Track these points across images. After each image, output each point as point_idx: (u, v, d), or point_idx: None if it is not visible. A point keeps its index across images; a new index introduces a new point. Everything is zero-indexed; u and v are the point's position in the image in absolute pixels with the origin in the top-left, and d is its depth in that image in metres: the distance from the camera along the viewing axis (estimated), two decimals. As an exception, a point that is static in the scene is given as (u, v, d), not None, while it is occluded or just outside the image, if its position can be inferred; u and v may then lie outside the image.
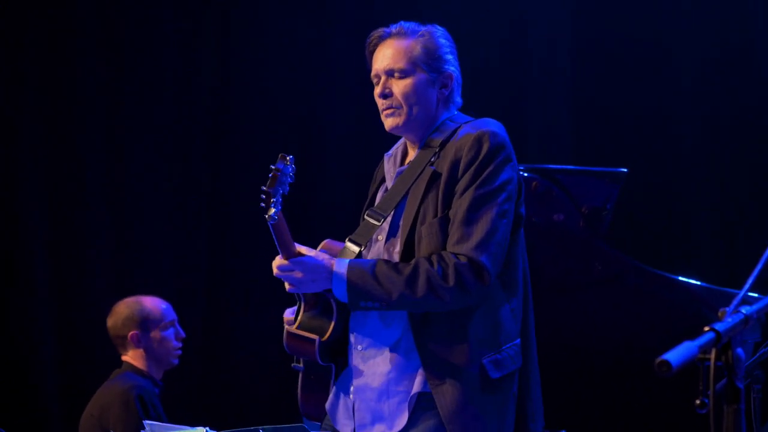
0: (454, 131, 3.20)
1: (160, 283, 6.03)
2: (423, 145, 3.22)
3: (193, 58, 6.29)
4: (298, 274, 3.11)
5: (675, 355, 1.89)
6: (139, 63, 6.24)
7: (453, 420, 3.06)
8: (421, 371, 3.11)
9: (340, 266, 3.10)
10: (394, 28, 3.28)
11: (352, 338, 3.22)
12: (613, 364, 4.76)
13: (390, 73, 3.23)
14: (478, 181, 3.08)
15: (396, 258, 3.16)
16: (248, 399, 6.16)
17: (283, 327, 3.31)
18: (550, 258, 4.71)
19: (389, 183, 3.29)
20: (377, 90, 3.25)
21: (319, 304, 3.21)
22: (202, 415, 5.84)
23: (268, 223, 3.08)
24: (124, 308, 5.05)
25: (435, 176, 3.13)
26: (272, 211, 3.04)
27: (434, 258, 3.05)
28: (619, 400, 4.87)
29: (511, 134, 6.17)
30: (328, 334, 3.17)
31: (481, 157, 3.09)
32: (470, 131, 3.15)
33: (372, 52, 3.30)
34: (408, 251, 3.13)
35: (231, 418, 5.89)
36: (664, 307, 4.67)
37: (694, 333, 2.00)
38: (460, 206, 3.08)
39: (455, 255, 3.04)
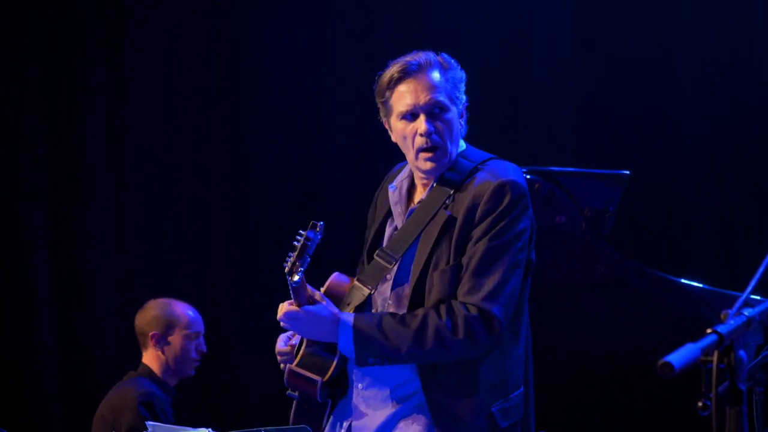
0: (470, 173, 3.10)
1: (161, 283, 6.03)
2: (436, 183, 3.13)
3: (195, 58, 6.28)
4: (303, 324, 3.08)
5: (678, 357, 1.89)
6: (140, 63, 6.23)
7: None
8: (426, 416, 3.06)
9: (347, 321, 3.04)
10: (422, 60, 3.12)
11: (353, 376, 3.17)
12: (614, 366, 4.75)
13: (430, 109, 3.09)
14: (493, 232, 3.01)
15: (405, 302, 3.10)
16: (250, 400, 6.16)
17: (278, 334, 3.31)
18: (553, 260, 4.70)
19: (398, 221, 3.20)
20: (421, 127, 3.07)
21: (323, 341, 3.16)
22: (204, 416, 5.83)
23: (292, 285, 3.05)
24: (153, 307, 5.05)
25: (450, 221, 3.06)
26: (296, 277, 3.01)
27: (443, 309, 3.00)
28: (620, 403, 4.86)
29: (513, 136, 6.18)
30: (329, 373, 3.13)
31: (500, 209, 3.02)
32: (490, 178, 3.06)
33: (393, 87, 3.12)
34: (417, 296, 3.08)
35: (233, 419, 5.88)
36: (666, 309, 4.66)
37: (696, 335, 1.99)
38: (474, 255, 3.02)
39: (465, 306, 2.99)
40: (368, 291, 3.15)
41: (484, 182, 3.06)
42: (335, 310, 3.08)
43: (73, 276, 6.14)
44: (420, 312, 3.02)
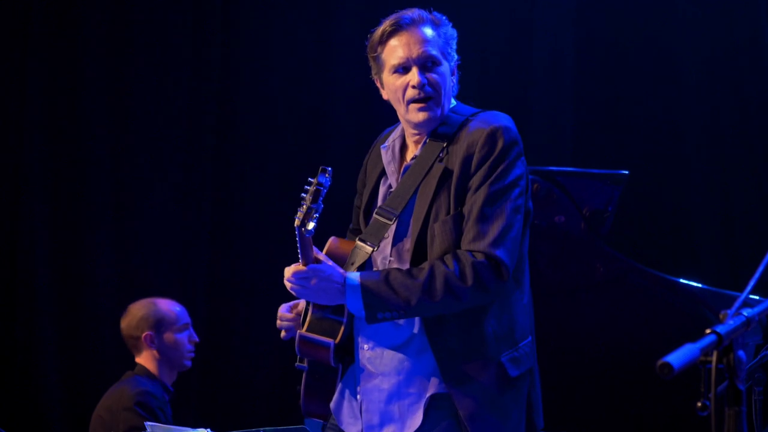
0: (462, 125, 3.11)
1: (163, 283, 6.03)
2: (429, 139, 3.14)
3: (196, 57, 6.28)
4: (312, 281, 3.04)
5: (677, 357, 1.89)
6: (142, 62, 6.23)
7: (473, 420, 3.02)
8: (434, 373, 3.06)
9: (353, 280, 3.03)
10: (414, 15, 3.13)
11: (359, 339, 3.16)
12: (613, 365, 4.76)
13: (423, 62, 3.10)
14: (492, 178, 3.02)
15: (407, 256, 3.10)
16: (250, 400, 6.16)
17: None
18: (552, 260, 4.71)
19: (392, 180, 3.21)
20: (414, 79, 3.09)
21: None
22: (204, 417, 5.84)
23: (305, 235, 3.02)
24: (138, 309, 5.04)
25: (446, 173, 3.06)
26: (311, 225, 2.98)
27: (449, 258, 3.00)
28: (619, 402, 4.87)
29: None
30: (339, 336, 3.11)
31: (495, 154, 3.03)
32: (482, 126, 3.07)
33: (385, 41, 3.14)
34: (419, 250, 3.08)
35: (233, 419, 5.88)
36: (665, 309, 4.67)
37: (695, 335, 1.99)
38: (474, 203, 3.02)
39: (471, 253, 2.98)
40: (371, 249, 3.12)
41: (476, 130, 3.07)
42: (340, 269, 3.06)
43: (74, 277, 6.14)
44: (426, 264, 3.01)
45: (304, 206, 3.00)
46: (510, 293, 3.09)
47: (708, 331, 1.98)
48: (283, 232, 6.16)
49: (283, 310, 3.31)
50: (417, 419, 3.07)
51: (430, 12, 3.18)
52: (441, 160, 3.09)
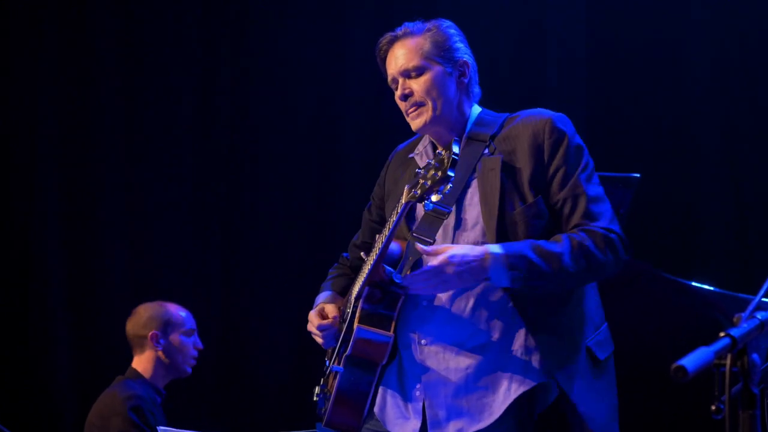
0: (505, 122, 3.17)
1: (176, 286, 6.04)
2: (467, 139, 3.16)
3: (209, 61, 6.30)
4: (450, 269, 2.93)
5: (691, 360, 1.89)
6: (154, 69, 6.26)
7: (583, 403, 3.01)
8: (514, 370, 3.04)
9: (495, 250, 2.96)
10: (399, 30, 3.23)
11: (412, 335, 3.12)
12: (625, 368, 4.74)
13: (406, 74, 3.18)
14: (581, 162, 3.08)
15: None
16: (263, 403, 6.16)
17: (301, 320, 3.21)
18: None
19: None
20: (397, 93, 3.20)
21: (385, 298, 3.06)
22: (217, 421, 5.85)
23: (426, 209, 2.90)
24: (146, 309, 5.08)
25: (508, 164, 3.08)
26: (437, 198, 2.87)
27: (580, 232, 3.01)
28: (631, 405, 4.86)
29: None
30: (392, 329, 3.06)
31: (568, 138, 3.09)
32: (539, 117, 3.13)
33: (384, 59, 3.25)
34: (500, 239, 3.03)
35: (246, 423, 5.89)
36: (678, 312, 4.65)
37: (707, 338, 1.99)
38: (575, 187, 3.05)
39: (602, 229, 3.02)
40: (429, 243, 3.06)
41: (534, 122, 3.12)
42: (468, 246, 2.99)
43: (87, 281, 6.16)
44: (560, 237, 3.02)
45: (428, 174, 2.85)
46: None
47: (722, 334, 1.98)
48: (297, 238, 6.21)
49: (314, 315, 3.28)
50: (489, 414, 3.04)
51: (423, 20, 3.25)
52: (491, 153, 3.11)
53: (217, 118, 6.29)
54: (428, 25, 3.24)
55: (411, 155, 3.29)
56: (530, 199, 3.05)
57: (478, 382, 3.07)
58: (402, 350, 3.14)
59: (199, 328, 5.17)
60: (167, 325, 5.03)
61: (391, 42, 3.22)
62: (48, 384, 6.06)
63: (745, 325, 2.01)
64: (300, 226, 6.19)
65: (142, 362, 5.02)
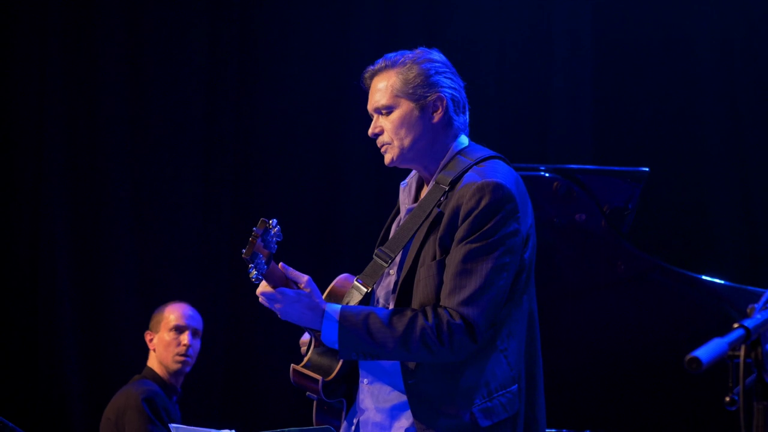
0: (464, 171, 3.10)
1: (184, 288, 6.04)
2: (434, 182, 3.13)
3: (215, 63, 6.30)
4: (278, 305, 3.08)
5: (705, 351, 1.89)
6: (160, 68, 6.26)
7: None
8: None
9: (332, 313, 3.02)
10: (378, 63, 3.19)
11: (361, 372, 3.17)
12: (636, 363, 4.75)
13: (378, 112, 3.16)
14: (475, 235, 2.99)
15: (393, 299, 3.10)
16: (274, 401, 6.17)
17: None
18: (573, 258, 4.71)
19: (402, 218, 3.21)
20: (369, 131, 3.19)
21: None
22: (229, 418, 5.86)
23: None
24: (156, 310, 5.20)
25: (438, 218, 3.05)
26: (253, 273, 2.98)
27: (429, 312, 2.99)
28: (642, 400, 4.86)
29: (533, 134, 6.13)
30: (333, 374, 3.12)
31: (479, 210, 3.00)
32: (475, 179, 3.04)
33: (367, 93, 3.22)
34: (405, 291, 3.07)
35: (258, 420, 5.90)
36: (688, 306, 4.65)
37: (718, 332, 1.99)
38: (455, 257, 3.00)
39: (448, 312, 2.97)
40: (365, 290, 3.13)
41: (469, 182, 3.05)
42: (319, 300, 3.06)
43: (95, 282, 6.17)
44: (408, 313, 3.01)
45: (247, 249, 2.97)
46: (486, 346, 3.05)
47: (736, 325, 1.98)
48: (304, 238, 6.21)
49: (304, 337, 3.32)
50: None
51: (400, 55, 3.18)
52: (439, 205, 3.08)
53: (224, 121, 6.29)
54: (402, 58, 3.17)
55: (402, 184, 3.28)
56: (438, 257, 3.03)
57: (397, 421, 3.11)
58: (360, 386, 3.20)
59: (209, 327, 5.19)
60: (157, 324, 5.16)
61: (372, 76, 3.19)
62: (58, 385, 6.07)
63: (758, 316, 2.01)
64: (308, 226, 6.19)
65: (150, 361, 5.16)
